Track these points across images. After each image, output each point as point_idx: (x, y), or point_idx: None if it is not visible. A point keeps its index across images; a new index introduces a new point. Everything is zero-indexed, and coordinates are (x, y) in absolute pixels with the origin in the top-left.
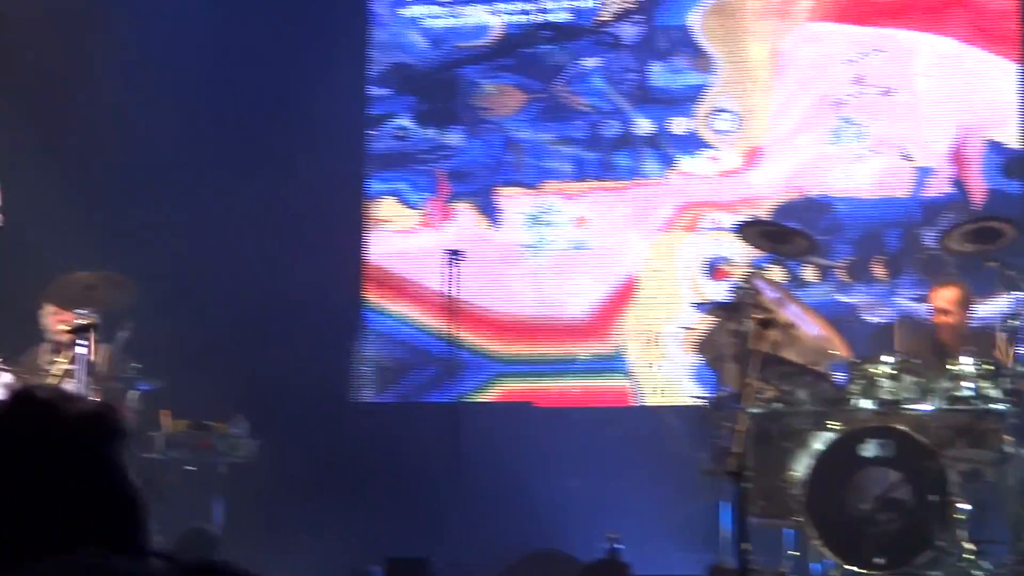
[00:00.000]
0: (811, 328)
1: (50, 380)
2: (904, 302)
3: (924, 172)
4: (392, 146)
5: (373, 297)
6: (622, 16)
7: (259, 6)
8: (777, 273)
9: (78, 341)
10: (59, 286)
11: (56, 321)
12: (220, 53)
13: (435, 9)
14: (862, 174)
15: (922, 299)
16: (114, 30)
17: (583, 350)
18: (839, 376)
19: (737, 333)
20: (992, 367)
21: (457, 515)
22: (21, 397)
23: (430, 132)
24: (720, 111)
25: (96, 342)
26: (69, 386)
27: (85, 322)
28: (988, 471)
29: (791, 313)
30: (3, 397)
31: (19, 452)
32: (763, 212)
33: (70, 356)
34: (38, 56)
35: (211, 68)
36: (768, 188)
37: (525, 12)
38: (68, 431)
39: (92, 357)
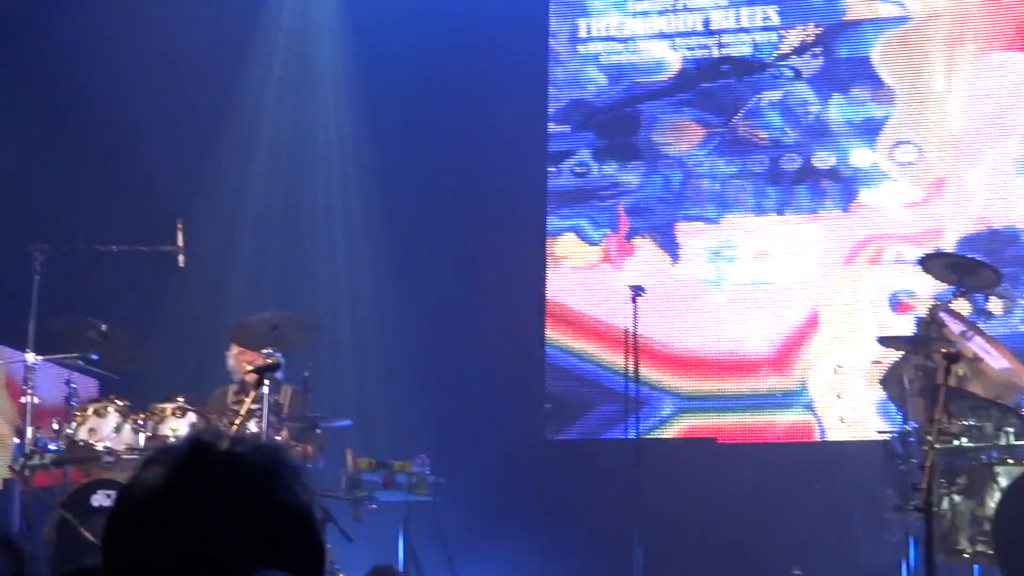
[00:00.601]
0: (998, 362)
1: (235, 420)
2: None
3: None
4: (572, 182)
5: (554, 334)
6: (802, 49)
7: (440, 49)
8: (962, 306)
9: (263, 381)
10: (244, 326)
11: (241, 361)
12: (404, 92)
13: (614, 45)
14: None
15: None
16: (291, 67)
17: (766, 385)
18: None
19: (922, 367)
20: None
21: (639, 551)
22: (194, 439)
23: (609, 168)
24: (902, 143)
25: (280, 381)
26: (253, 426)
27: (269, 362)
28: None
29: (977, 346)
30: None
31: (194, 494)
32: (947, 244)
33: (255, 396)
34: (220, 98)
35: (396, 109)
36: (952, 220)
37: (704, 47)
38: (241, 471)
39: (276, 396)
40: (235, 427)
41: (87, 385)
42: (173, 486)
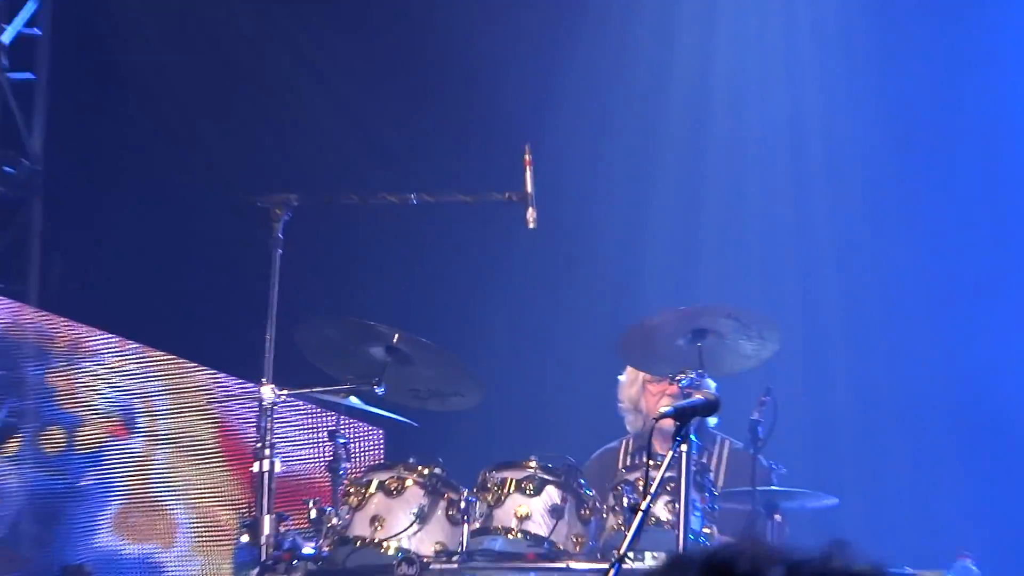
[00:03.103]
0: None
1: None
2: None
3: None
4: None
5: None
6: None
7: None
8: None
9: (683, 432)
10: (644, 335)
11: (644, 396)
12: None
13: None
14: None
15: None
16: None
17: None
18: None
19: None
20: None
21: None
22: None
23: None
24: None
25: (712, 432)
26: (662, 510)
27: (696, 399)
28: None
29: None
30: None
31: None
32: None
33: (669, 457)
34: None
35: None
36: None
37: None
38: None
39: (704, 456)
40: (638, 511)
41: (368, 438)
42: None
